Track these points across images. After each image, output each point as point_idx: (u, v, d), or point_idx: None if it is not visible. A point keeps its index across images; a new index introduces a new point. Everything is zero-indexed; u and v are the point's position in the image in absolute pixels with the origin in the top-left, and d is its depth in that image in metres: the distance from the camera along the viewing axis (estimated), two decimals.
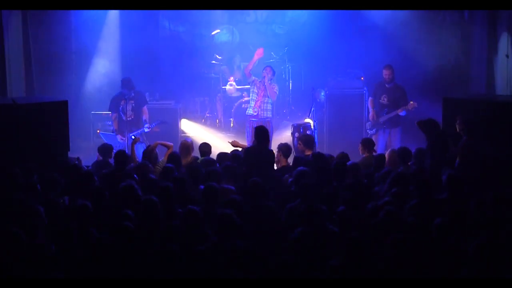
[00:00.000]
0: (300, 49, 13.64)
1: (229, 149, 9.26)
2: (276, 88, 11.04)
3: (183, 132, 12.68)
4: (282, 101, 13.30)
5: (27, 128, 8.51)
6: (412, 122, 10.58)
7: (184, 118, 12.96)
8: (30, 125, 8.54)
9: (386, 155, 8.69)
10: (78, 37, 13.16)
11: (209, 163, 8.11)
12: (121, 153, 8.15)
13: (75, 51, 13.25)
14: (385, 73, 11.10)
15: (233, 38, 14.13)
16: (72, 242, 5.50)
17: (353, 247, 5.22)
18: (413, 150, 8.42)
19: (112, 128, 11.57)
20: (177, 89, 13.46)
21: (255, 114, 11.00)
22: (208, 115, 13.57)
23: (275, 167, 8.67)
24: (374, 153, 9.02)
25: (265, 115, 11.00)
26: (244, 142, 10.36)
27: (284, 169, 8.56)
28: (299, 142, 9.51)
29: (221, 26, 13.99)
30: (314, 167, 7.58)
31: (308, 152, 8.85)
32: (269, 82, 10.96)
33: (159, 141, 9.29)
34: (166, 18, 14.00)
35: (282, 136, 11.92)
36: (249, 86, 11.53)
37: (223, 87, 13.38)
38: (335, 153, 8.70)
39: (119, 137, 11.13)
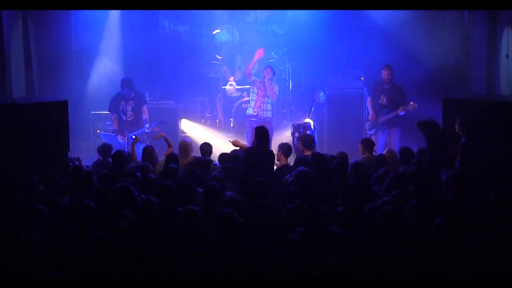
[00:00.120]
0: (300, 49, 13.64)
1: (229, 149, 9.27)
2: (276, 88, 11.04)
3: (183, 132, 12.68)
4: (282, 101, 13.30)
5: (27, 128, 8.51)
6: (411, 122, 10.57)
7: (184, 118, 12.96)
8: (30, 125, 8.54)
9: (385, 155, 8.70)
10: (78, 37, 13.15)
11: (203, 163, 8.08)
12: (119, 153, 8.15)
13: (75, 51, 13.24)
14: (384, 73, 11.09)
15: (233, 38, 14.13)
16: (72, 242, 5.50)
17: (348, 246, 5.23)
18: (412, 150, 8.42)
19: (112, 128, 11.57)
20: (177, 89, 13.46)
21: (255, 114, 11.00)
22: (208, 115, 13.57)
23: (275, 166, 8.68)
24: (374, 153, 9.03)
25: (265, 115, 11.00)
26: (244, 142, 10.36)
27: (284, 168, 8.56)
28: (299, 142, 9.52)
29: (221, 26, 13.99)
30: (314, 167, 7.58)
31: (308, 153, 8.86)
32: (269, 82, 10.96)
33: (164, 134, 9.36)
34: (166, 18, 14.00)
35: (282, 136, 11.91)
36: (249, 86, 11.54)
37: (223, 87, 13.39)
38: (335, 153, 8.69)
39: (119, 137, 11.13)
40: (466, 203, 6.28)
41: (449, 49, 12.36)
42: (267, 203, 6.52)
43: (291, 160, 8.94)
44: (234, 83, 13.34)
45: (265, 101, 11.01)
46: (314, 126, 11.05)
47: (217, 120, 13.45)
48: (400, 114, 11.02)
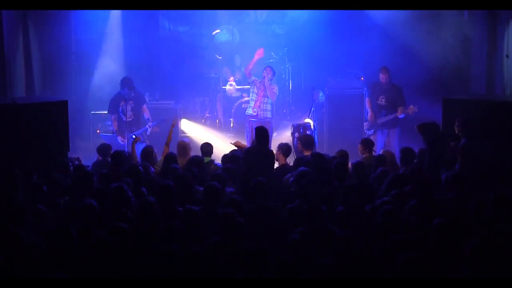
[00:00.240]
0: (300, 49, 13.65)
1: (229, 149, 9.26)
2: (276, 89, 11.04)
3: (183, 132, 12.68)
4: (282, 101, 13.31)
5: (27, 128, 8.50)
6: (411, 122, 10.63)
7: (184, 118, 12.97)
8: (30, 125, 8.53)
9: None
10: (78, 37, 13.16)
11: (198, 161, 8.07)
12: (118, 153, 8.15)
13: (75, 51, 13.25)
14: (382, 77, 11.09)
15: (233, 38, 14.13)
16: (72, 242, 5.50)
17: (348, 246, 5.23)
18: (413, 150, 8.42)
19: (111, 128, 11.56)
20: (177, 89, 13.47)
21: (254, 114, 11.00)
22: (208, 115, 13.58)
23: (275, 166, 8.68)
24: (373, 153, 9.03)
25: (264, 115, 11.00)
26: (244, 142, 10.37)
27: (283, 168, 8.56)
28: (298, 142, 9.52)
29: (221, 26, 14.00)
30: (314, 167, 7.58)
31: (307, 153, 8.85)
32: (269, 82, 10.96)
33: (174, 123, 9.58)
34: (166, 18, 14.02)
35: (282, 136, 11.92)
36: (249, 87, 11.54)
37: (223, 87, 13.39)
38: (335, 153, 8.69)
39: (119, 138, 11.13)
40: (466, 203, 6.28)
41: (449, 49, 12.36)
42: (267, 203, 6.51)
43: (290, 160, 8.94)
44: (234, 83, 13.35)
45: (265, 101, 11.01)
46: (314, 126, 11.06)
47: (217, 120, 13.45)
48: (399, 117, 11.02)
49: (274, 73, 11.12)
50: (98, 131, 12.35)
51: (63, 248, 5.44)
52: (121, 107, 11.16)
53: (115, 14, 13.15)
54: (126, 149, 10.15)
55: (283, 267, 5.03)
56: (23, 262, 5.18)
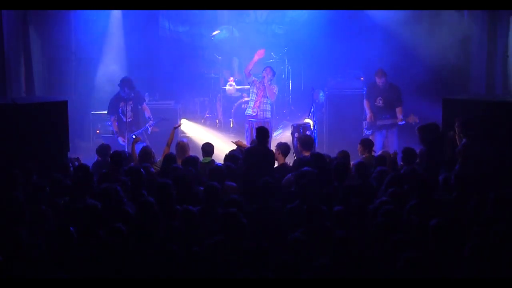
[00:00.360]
0: (300, 49, 13.65)
1: (229, 149, 9.26)
2: (275, 89, 11.03)
3: (183, 132, 12.68)
4: (282, 101, 13.31)
5: (27, 128, 8.50)
6: (410, 123, 10.64)
7: (184, 118, 12.97)
8: (30, 125, 8.53)
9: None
10: (78, 37, 13.16)
11: (192, 161, 8.07)
12: (117, 153, 8.15)
13: (75, 51, 13.25)
14: (378, 81, 11.08)
15: (233, 39, 14.13)
16: (73, 242, 5.50)
17: (348, 246, 5.23)
18: (415, 150, 8.41)
19: (111, 129, 11.56)
20: (177, 89, 13.46)
21: (254, 114, 11.00)
22: (208, 115, 13.58)
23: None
24: (373, 153, 9.02)
25: (264, 115, 11.00)
26: (244, 142, 10.36)
27: (282, 168, 8.56)
28: (298, 142, 9.52)
29: (221, 26, 14.00)
30: (314, 167, 7.58)
31: (306, 153, 8.85)
32: (269, 82, 10.96)
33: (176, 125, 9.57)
34: (166, 18, 14.01)
35: (282, 136, 11.92)
36: (248, 87, 11.53)
37: (223, 87, 13.39)
38: (334, 153, 8.69)
39: (120, 139, 11.13)
40: (466, 203, 6.28)
41: (449, 49, 12.37)
42: (267, 203, 6.51)
43: (290, 160, 8.93)
44: (234, 83, 13.35)
45: (265, 101, 11.01)
46: (313, 126, 11.05)
47: (217, 120, 13.45)
48: (399, 123, 11.01)
49: (274, 73, 11.12)
50: (97, 131, 12.35)
51: (63, 248, 5.44)
52: (120, 108, 11.16)
53: (115, 14, 13.15)
54: (126, 150, 10.15)
55: (283, 267, 5.04)
56: (23, 262, 5.18)
